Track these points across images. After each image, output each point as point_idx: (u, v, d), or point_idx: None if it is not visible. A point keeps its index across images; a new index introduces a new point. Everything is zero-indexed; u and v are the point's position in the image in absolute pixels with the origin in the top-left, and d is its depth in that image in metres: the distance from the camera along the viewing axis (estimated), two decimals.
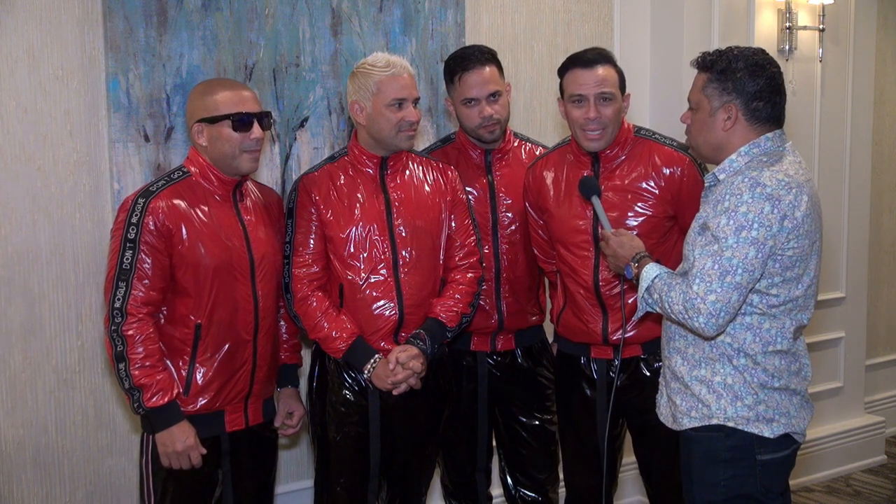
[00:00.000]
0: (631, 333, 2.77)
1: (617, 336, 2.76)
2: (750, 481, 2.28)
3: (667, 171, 2.74)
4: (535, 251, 3.00)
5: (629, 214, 2.73)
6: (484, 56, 2.87)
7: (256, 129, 2.54)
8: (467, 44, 3.31)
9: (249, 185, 2.69)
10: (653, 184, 2.74)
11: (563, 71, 2.75)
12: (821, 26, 4.11)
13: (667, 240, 2.76)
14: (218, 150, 2.53)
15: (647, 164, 2.75)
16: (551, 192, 2.85)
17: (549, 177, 2.87)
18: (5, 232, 2.75)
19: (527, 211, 2.96)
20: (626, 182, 2.75)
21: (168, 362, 2.50)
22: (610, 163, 2.78)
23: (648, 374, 2.79)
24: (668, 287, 2.23)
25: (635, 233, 2.65)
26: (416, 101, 2.72)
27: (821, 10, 4.08)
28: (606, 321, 2.79)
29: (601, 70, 2.68)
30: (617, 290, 2.74)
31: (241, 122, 2.51)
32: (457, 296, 2.78)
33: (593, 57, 2.69)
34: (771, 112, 2.28)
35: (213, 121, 2.51)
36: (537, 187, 2.90)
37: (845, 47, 4.30)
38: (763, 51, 2.32)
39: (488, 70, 2.86)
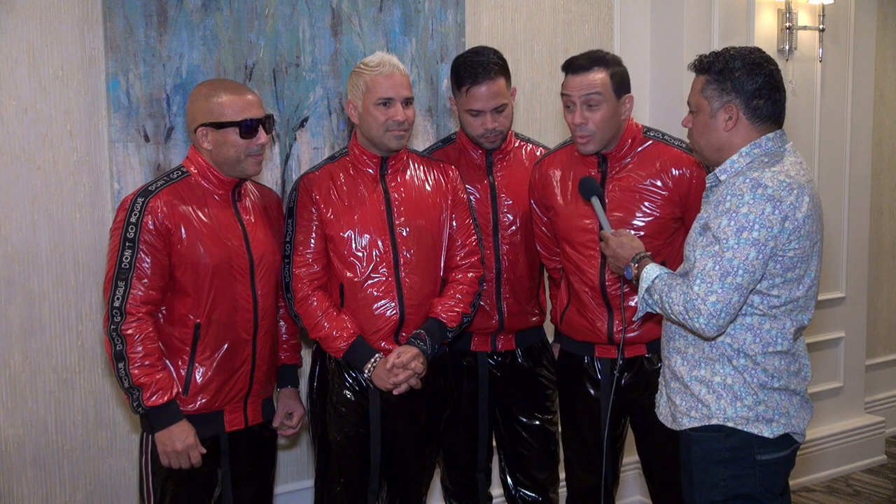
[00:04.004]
0: (635, 333, 2.78)
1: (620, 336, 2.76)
2: (750, 481, 2.28)
3: (675, 172, 2.74)
4: (539, 248, 3.00)
5: (636, 214, 2.73)
6: (495, 68, 2.82)
7: (262, 135, 2.54)
8: (467, 44, 3.31)
9: (248, 185, 2.69)
10: (660, 184, 2.74)
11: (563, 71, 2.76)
12: (821, 26, 4.10)
13: (673, 240, 2.76)
14: (222, 155, 2.53)
15: (656, 164, 2.75)
16: (558, 191, 2.85)
17: (555, 175, 2.87)
18: (5, 232, 2.75)
19: (531, 208, 2.96)
20: (634, 182, 2.75)
21: (167, 362, 2.50)
22: (617, 163, 2.78)
23: (652, 372, 2.78)
24: (669, 288, 2.23)
25: (642, 233, 2.64)
26: (406, 100, 2.69)
27: (821, 10, 4.08)
28: (611, 320, 2.79)
29: (590, 75, 2.65)
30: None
31: (247, 128, 2.51)
32: (458, 296, 2.78)
33: (584, 62, 2.68)
34: (772, 109, 2.27)
35: (218, 126, 2.51)
36: (543, 184, 2.90)
37: (845, 47, 4.30)
38: (759, 49, 2.32)
39: (497, 84, 2.82)
